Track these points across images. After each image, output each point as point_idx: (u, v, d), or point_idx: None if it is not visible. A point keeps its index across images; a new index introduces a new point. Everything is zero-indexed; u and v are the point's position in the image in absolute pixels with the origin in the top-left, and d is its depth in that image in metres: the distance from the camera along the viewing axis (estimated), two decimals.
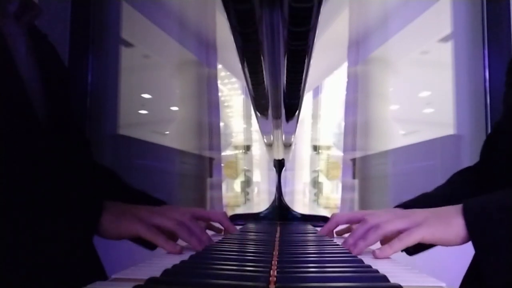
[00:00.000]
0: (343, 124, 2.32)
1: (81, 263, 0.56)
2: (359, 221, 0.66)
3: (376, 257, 0.53)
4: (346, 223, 0.75)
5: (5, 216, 0.51)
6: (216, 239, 0.66)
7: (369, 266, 0.42)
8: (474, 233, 0.49)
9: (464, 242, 0.51)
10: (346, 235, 0.75)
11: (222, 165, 2.34)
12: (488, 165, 0.74)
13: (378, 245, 0.59)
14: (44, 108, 0.64)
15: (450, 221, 0.51)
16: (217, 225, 0.80)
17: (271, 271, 0.39)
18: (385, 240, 0.59)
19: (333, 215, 0.75)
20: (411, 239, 0.51)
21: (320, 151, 3.48)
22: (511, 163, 0.65)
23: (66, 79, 0.76)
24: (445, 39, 1.75)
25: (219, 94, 2.34)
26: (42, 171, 0.61)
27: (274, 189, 1.23)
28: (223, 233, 0.80)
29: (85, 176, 0.77)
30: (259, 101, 0.75)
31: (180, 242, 0.60)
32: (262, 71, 0.59)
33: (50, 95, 0.66)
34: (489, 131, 1.43)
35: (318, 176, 3.54)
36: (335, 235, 0.79)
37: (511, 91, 0.70)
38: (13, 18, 0.61)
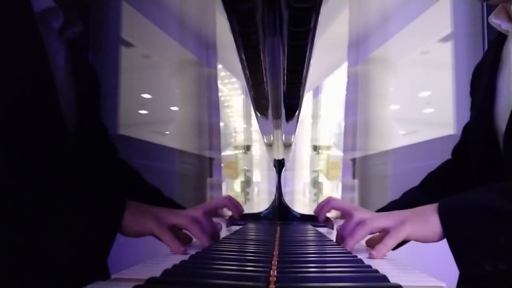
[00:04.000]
0: (343, 124, 2.32)
1: (86, 262, 0.57)
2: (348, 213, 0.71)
3: (372, 257, 0.55)
4: (339, 210, 0.77)
5: (27, 215, 0.52)
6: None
7: (369, 266, 0.42)
8: (447, 229, 0.53)
9: (440, 238, 0.54)
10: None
11: (222, 165, 2.34)
12: (459, 165, 0.81)
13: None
14: (75, 118, 0.68)
15: (427, 218, 0.55)
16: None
17: (271, 271, 0.39)
18: (371, 242, 0.64)
19: (330, 198, 0.77)
20: (400, 235, 0.55)
21: (320, 151, 3.48)
22: (480, 162, 0.70)
23: (98, 91, 0.80)
24: (445, 39, 1.75)
25: (219, 94, 2.34)
26: (67, 175, 0.64)
27: (274, 189, 1.23)
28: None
29: (109, 178, 0.80)
30: (259, 101, 0.75)
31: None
32: (262, 71, 0.59)
33: (82, 106, 0.69)
34: None
35: (318, 176, 3.54)
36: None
37: (475, 97, 0.76)
38: (56, 33, 0.64)
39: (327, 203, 0.77)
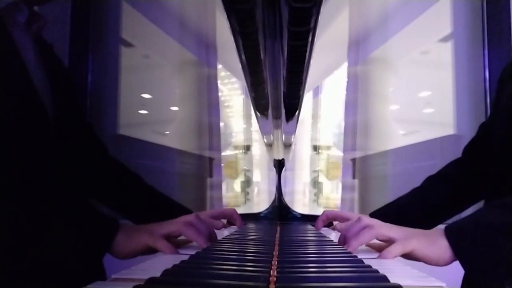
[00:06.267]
0: (343, 124, 2.32)
1: (81, 264, 0.57)
2: (345, 218, 0.79)
3: (384, 257, 0.55)
4: (333, 218, 0.88)
5: (17, 224, 0.52)
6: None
7: (369, 266, 0.42)
8: (458, 252, 0.52)
9: (446, 263, 0.54)
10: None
11: (222, 165, 2.34)
12: (471, 164, 0.81)
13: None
14: (53, 114, 0.67)
15: (435, 241, 0.54)
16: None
17: (271, 271, 0.39)
18: (371, 246, 0.64)
19: (325, 211, 0.89)
20: (407, 247, 0.55)
21: (320, 151, 3.48)
22: (499, 160, 0.69)
23: (72, 87, 0.80)
24: (445, 39, 1.75)
25: (219, 94, 2.34)
26: (58, 173, 0.64)
27: (274, 189, 1.23)
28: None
29: (104, 177, 0.81)
30: (259, 101, 0.75)
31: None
32: (262, 71, 0.59)
33: (58, 102, 0.69)
34: None
35: (318, 176, 3.54)
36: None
37: (501, 96, 0.75)
38: (22, 27, 0.65)
39: (322, 214, 0.88)
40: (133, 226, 0.61)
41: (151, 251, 0.59)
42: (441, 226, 0.57)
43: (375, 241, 0.62)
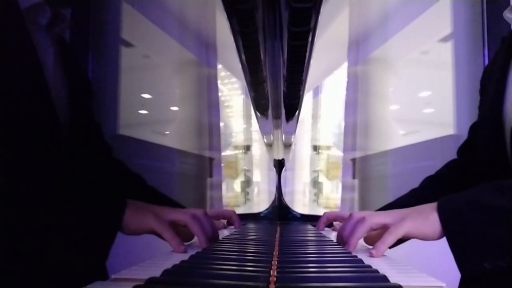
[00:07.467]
0: (343, 124, 2.32)
1: (84, 262, 0.57)
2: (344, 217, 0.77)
3: (372, 256, 0.55)
4: (334, 219, 0.89)
5: (26, 215, 0.52)
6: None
7: (369, 266, 0.42)
8: (446, 227, 0.53)
9: (440, 237, 0.55)
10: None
11: (222, 165, 2.34)
12: (465, 165, 0.82)
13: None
14: (68, 115, 0.68)
15: (427, 216, 0.55)
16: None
17: (271, 271, 0.39)
18: (370, 239, 0.63)
19: (324, 212, 0.89)
20: (399, 232, 0.55)
21: (320, 151, 3.47)
22: (487, 160, 0.70)
23: (88, 88, 0.80)
24: (445, 39, 1.75)
25: (219, 94, 2.34)
26: (64, 174, 0.64)
27: (274, 189, 1.23)
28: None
29: (108, 177, 0.81)
30: (259, 101, 0.75)
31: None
32: (262, 71, 0.59)
33: (73, 103, 0.69)
34: None
35: (318, 176, 3.53)
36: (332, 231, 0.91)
37: (484, 95, 0.77)
38: (43, 29, 0.64)
39: (323, 216, 0.89)
40: (140, 204, 0.59)
41: (157, 234, 0.59)
42: None
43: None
